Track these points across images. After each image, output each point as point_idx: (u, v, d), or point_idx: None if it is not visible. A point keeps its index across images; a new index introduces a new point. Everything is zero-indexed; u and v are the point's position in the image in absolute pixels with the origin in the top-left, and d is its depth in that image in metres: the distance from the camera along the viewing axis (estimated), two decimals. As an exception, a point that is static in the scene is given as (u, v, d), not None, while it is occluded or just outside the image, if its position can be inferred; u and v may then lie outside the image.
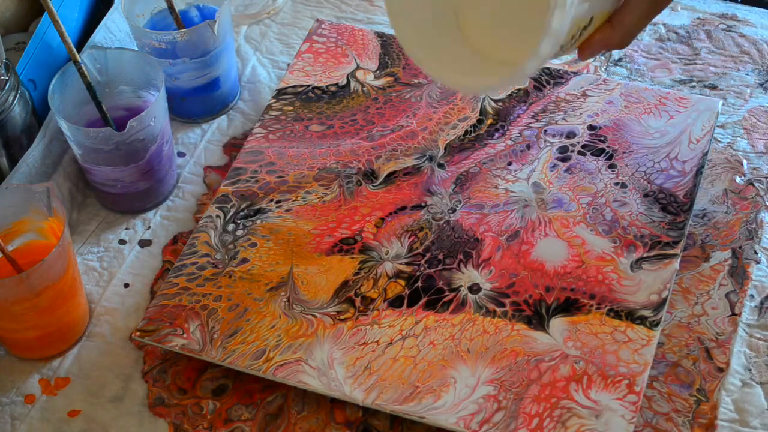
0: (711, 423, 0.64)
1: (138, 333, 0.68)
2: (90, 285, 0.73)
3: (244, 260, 0.72)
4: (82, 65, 0.72)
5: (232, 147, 0.82)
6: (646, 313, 0.67)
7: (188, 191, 0.79)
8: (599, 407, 0.63)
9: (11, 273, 0.65)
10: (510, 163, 0.77)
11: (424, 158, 0.78)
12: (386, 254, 0.72)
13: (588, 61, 0.86)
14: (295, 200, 0.75)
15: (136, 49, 0.81)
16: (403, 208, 0.75)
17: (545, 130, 0.79)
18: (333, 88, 0.83)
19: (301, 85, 0.83)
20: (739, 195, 0.75)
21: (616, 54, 0.86)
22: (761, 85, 0.83)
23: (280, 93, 0.83)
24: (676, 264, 0.70)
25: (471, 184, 0.76)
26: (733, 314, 0.69)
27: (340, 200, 0.76)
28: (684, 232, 0.71)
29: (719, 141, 0.79)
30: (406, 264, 0.71)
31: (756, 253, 0.72)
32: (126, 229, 0.77)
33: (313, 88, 0.83)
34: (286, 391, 0.67)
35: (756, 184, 0.76)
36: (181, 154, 0.82)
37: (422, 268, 0.71)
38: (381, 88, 0.83)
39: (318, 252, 0.72)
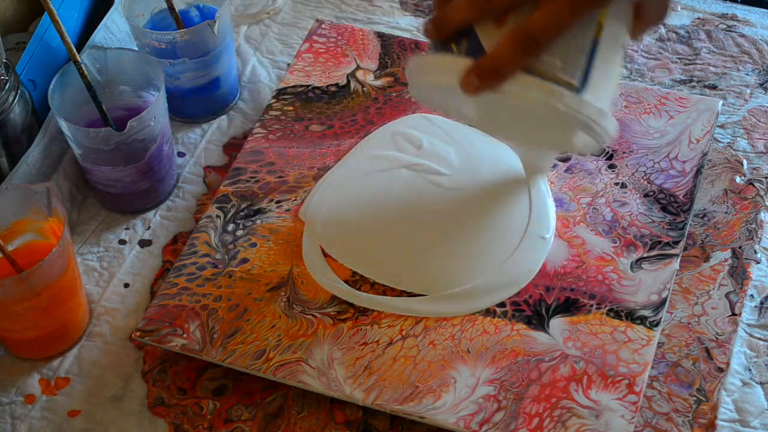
0: (711, 423, 0.64)
1: (138, 333, 0.68)
2: (90, 285, 0.73)
3: (244, 260, 0.72)
4: (82, 65, 0.72)
5: (232, 147, 0.82)
6: (646, 313, 0.67)
7: (188, 191, 0.79)
8: (599, 407, 0.63)
9: (11, 273, 0.64)
10: (510, 163, 0.77)
11: (424, 158, 0.78)
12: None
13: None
14: (295, 200, 0.75)
15: (136, 49, 0.81)
16: (403, 208, 0.75)
17: (545, 130, 0.79)
18: (333, 88, 0.83)
19: (301, 85, 0.83)
20: (739, 195, 0.75)
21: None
22: (761, 85, 0.83)
23: (280, 93, 0.83)
24: (676, 264, 0.70)
25: (471, 184, 0.76)
26: (733, 314, 0.69)
27: (340, 200, 0.76)
28: (684, 232, 0.71)
29: (719, 141, 0.79)
30: (406, 264, 0.71)
31: (756, 253, 0.72)
32: (126, 229, 0.77)
33: (313, 88, 0.83)
34: (286, 391, 0.67)
35: (756, 184, 0.76)
36: (181, 154, 0.82)
37: (422, 268, 0.71)
38: (381, 88, 0.83)
39: (318, 252, 0.72)
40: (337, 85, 0.83)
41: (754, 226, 0.73)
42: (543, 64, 0.56)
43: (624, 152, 0.77)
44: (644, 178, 0.75)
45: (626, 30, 0.59)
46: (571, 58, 0.57)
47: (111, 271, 0.74)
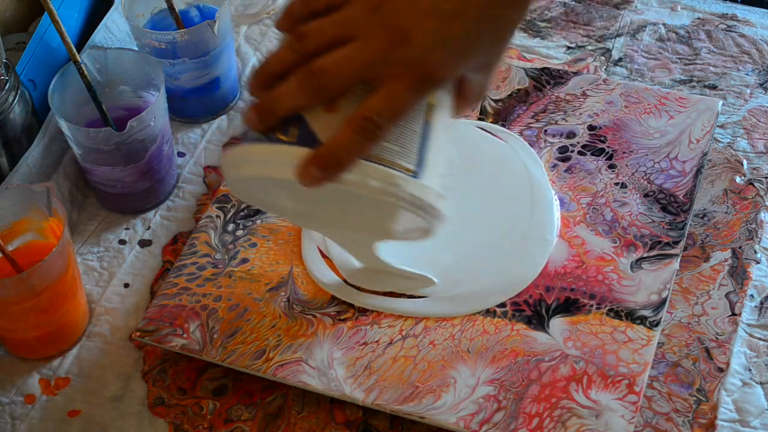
0: (711, 423, 0.64)
1: (138, 333, 0.68)
2: (90, 285, 0.73)
3: (244, 260, 0.72)
4: (82, 65, 0.72)
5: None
6: (646, 313, 0.67)
7: (188, 191, 0.79)
8: (599, 407, 0.63)
9: (11, 273, 0.65)
10: (510, 163, 0.77)
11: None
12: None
13: (588, 61, 0.86)
14: (295, 200, 0.75)
15: (136, 49, 0.81)
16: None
17: (545, 130, 0.79)
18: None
19: (301, 85, 0.83)
20: (739, 195, 0.75)
21: (616, 54, 0.86)
22: (761, 85, 0.83)
23: (280, 93, 0.83)
24: (676, 264, 0.70)
25: (471, 184, 0.76)
26: (733, 314, 0.69)
27: (340, 200, 0.75)
28: (684, 232, 0.71)
29: (719, 141, 0.79)
30: (406, 264, 0.71)
31: (756, 253, 0.72)
32: (126, 229, 0.77)
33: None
34: (286, 391, 0.67)
35: (756, 184, 0.76)
36: (181, 154, 0.82)
37: (422, 268, 0.71)
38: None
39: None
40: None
41: (754, 226, 0.73)
42: (380, 150, 0.53)
43: (624, 152, 0.77)
44: (644, 178, 0.75)
45: (450, 109, 0.58)
46: (407, 142, 0.54)
47: (111, 271, 0.74)
